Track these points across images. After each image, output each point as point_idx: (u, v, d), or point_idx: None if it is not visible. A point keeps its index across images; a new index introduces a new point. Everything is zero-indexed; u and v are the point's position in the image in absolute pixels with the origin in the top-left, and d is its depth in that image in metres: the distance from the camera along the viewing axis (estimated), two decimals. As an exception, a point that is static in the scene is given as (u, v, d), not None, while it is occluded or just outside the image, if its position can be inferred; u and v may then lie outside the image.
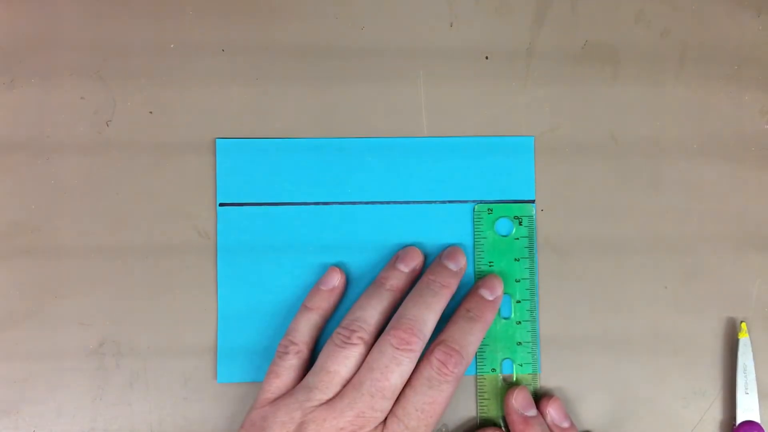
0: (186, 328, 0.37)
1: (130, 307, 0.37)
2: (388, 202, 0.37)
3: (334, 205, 0.37)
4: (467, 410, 0.37)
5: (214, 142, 0.37)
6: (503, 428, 0.36)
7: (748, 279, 0.38)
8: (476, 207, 0.37)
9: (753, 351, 0.37)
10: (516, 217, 0.37)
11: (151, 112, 0.38)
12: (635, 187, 0.38)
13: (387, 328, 0.34)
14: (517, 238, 0.37)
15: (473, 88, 0.38)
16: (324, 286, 0.36)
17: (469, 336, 0.34)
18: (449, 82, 0.38)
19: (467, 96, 0.38)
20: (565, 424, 0.36)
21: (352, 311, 0.35)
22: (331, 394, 0.33)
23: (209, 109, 0.38)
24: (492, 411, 0.37)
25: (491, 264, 0.37)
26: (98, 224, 0.37)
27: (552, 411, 0.36)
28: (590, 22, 0.38)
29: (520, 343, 0.37)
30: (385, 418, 0.33)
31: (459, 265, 0.36)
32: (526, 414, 0.35)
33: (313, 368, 0.34)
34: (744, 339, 0.37)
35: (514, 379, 0.37)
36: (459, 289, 0.36)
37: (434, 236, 0.37)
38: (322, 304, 0.36)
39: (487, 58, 0.38)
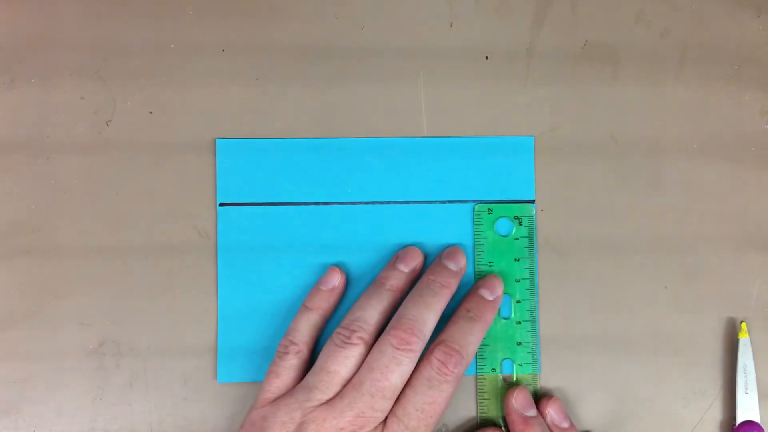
0: (186, 328, 0.37)
1: (130, 307, 0.37)
2: (388, 202, 0.37)
3: (334, 205, 0.37)
4: (467, 410, 0.37)
5: (214, 142, 0.37)
6: (503, 428, 0.36)
7: (748, 279, 0.38)
8: (476, 207, 0.37)
9: (753, 351, 0.37)
10: (516, 217, 0.37)
11: (151, 112, 0.38)
12: (635, 187, 0.38)
13: (387, 328, 0.34)
14: (517, 238, 0.37)
15: (473, 88, 0.38)
16: (324, 286, 0.36)
17: (469, 336, 0.34)
18: (449, 82, 0.38)
19: (467, 96, 0.38)
20: (565, 424, 0.36)
21: (352, 311, 0.35)
22: (331, 394, 0.33)
23: (209, 109, 0.38)
24: (492, 411, 0.37)
25: (491, 264, 0.37)
26: (98, 224, 0.37)
27: (552, 411, 0.36)
28: (590, 22, 0.38)
29: (520, 343, 0.37)
30: (386, 418, 0.33)
31: (459, 265, 0.36)
32: (526, 414, 0.35)
33: (313, 368, 0.34)
34: (744, 339, 0.37)
35: (514, 379, 0.37)
36: (459, 289, 0.36)
37: (434, 236, 0.37)
38: (322, 304, 0.36)
39: (487, 58, 0.38)
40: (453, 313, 0.35)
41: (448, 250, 0.36)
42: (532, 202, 0.38)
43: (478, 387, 0.37)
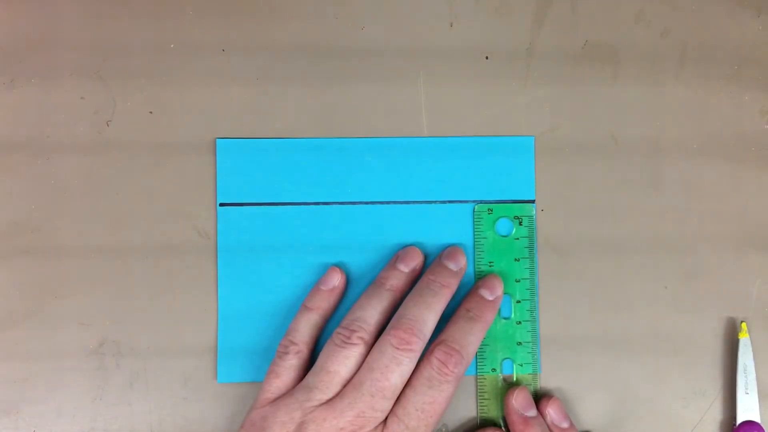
0: (186, 328, 0.37)
1: (130, 307, 0.37)
2: (388, 202, 0.37)
3: (334, 205, 0.37)
4: (467, 410, 0.37)
5: (214, 142, 0.37)
6: (503, 428, 0.36)
7: (748, 279, 0.38)
8: (476, 207, 0.37)
9: (753, 351, 0.37)
10: (516, 217, 0.37)
11: (151, 112, 0.38)
12: (635, 187, 0.38)
13: (387, 328, 0.34)
14: (517, 238, 0.37)
15: (473, 88, 0.38)
16: (324, 286, 0.36)
17: (469, 336, 0.34)
18: (449, 82, 0.38)
19: (467, 96, 0.38)
20: (565, 425, 0.36)
21: (352, 311, 0.35)
22: (331, 394, 0.33)
23: (209, 109, 0.38)
24: (492, 411, 0.37)
25: (491, 264, 0.37)
26: (98, 224, 0.37)
27: (552, 411, 0.36)
28: (590, 22, 0.38)
29: (520, 343, 0.37)
30: (386, 418, 0.33)
31: (459, 265, 0.36)
32: (526, 414, 0.35)
33: (313, 368, 0.34)
34: (744, 339, 0.37)
35: (514, 379, 0.37)
36: (459, 289, 0.36)
37: (434, 236, 0.37)
38: (322, 304, 0.36)
39: (487, 58, 0.38)
40: (453, 313, 0.35)
41: (448, 250, 0.36)
42: (532, 202, 0.38)
43: (478, 387, 0.37)
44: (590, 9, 0.38)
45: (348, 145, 0.38)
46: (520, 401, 0.35)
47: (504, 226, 0.37)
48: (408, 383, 0.33)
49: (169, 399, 0.37)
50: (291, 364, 0.34)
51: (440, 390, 0.33)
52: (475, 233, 0.37)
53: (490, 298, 0.36)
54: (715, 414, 0.37)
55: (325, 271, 0.36)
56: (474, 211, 0.37)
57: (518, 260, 0.37)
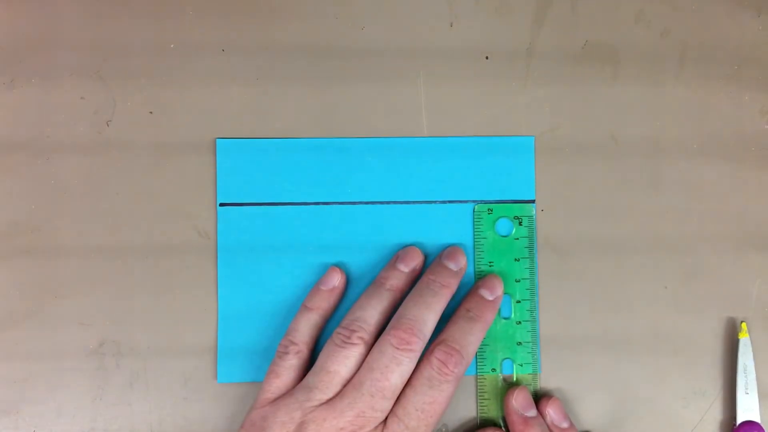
0: (186, 328, 0.37)
1: (130, 307, 0.37)
2: (388, 202, 0.37)
3: (334, 205, 0.37)
4: (467, 410, 0.37)
5: (214, 142, 0.37)
6: (503, 428, 0.36)
7: (748, 279, 0.38)
8: (476, 207, 0.37)
9: (753, 351, 0.37)
10: (516, 217, 0.37)
11: (151, 112, 0.38)
12: (635, 187, 0.38)
13: (387, 328, 0.34)
14: (517, 238, 0.37)
15: (473, 88, 0.38)
16: (324, 286, 0.36)
17: (469, 336, 0.34)
18: (449, 82, 0.38)
19: (467, 96, 0.38)
20: (565, 425, 0.36)
21: (352, 311, 0.35)
22: (331, 394, 0.33)
23: (209, 109, 0.38)
24: (492, 411, 0.37)
25: (491, 264, 0.37)
26: (98, 224, 0.37)
27: (551, 411, 0.36)
28: (590, 22, 0.38)
29: (520, 343, 0.37)
30: (386, 418, 0.33)
31: (459, 265, 0.36)
32: (526, 414, 0.35)
33: (313, 368, 0.34)
34: (744, 339, 0.37)
35: (514, 379, 0.37)
36: (459, 289, 0.36)
37: (434, 236, 0.37)
38: (322, 304, 0.36)
39: (487, 58, 0.38)
40: (453, 313, 0.35)
41: (448, 250, 0.36)
42: (532, 202, 0.38)
43: (478, 387, 0.37)
44: (590, 9, 0.38)
45: (348, 145, 0.38)
46: (520, 401, 0.35)
47: (504, 226, 0.37)
48: (408, 383, 0.33)
49: (169, 399, 0.37)
50: (291, 364, 0.34)
51: (440, 390, 0.33)
52: (475, 233, 0.37)
53: (490, 298, 0.36)
54: (715, 414, 0.37)
55: (325, 271, 0.36)
56: (474, 211, 0.37)
57: (518, 260, 0.37)
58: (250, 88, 0.38)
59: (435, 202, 0.37)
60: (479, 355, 0.37)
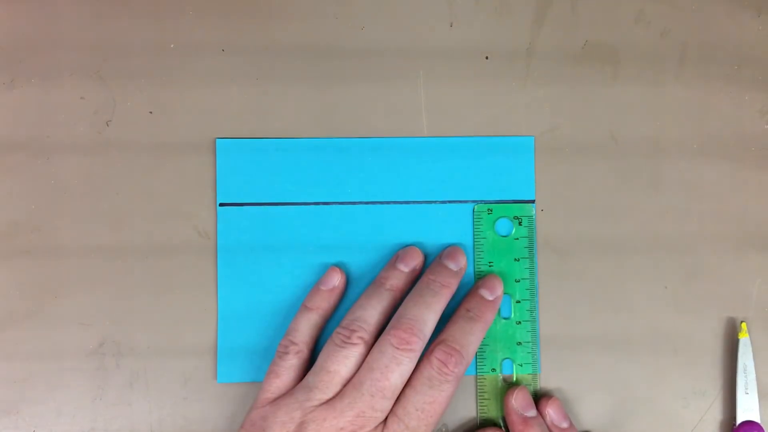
0: (186, 328, 0.37)
1: (130, 307, 0.37)
2: (388, 202, 0.37)
3: (334, 205, 0.37)
4: (467, 410, 0.37)
5: (214, 142, 0.37)
6: (503, 428, 0.36)
7: (748, 279, 0.38)
8: (476, 207, 0.37)
9: (753, 351, 0.37)
10: (516, 217, 0.37)
11: (151, 112, 0.38)
12: (635, 187, 0.38)
13: (387, 328, 0.34)
14: (517, 238, 0.37)
15: (473, 88, 0.38)
16: (324, 286, 0.36)
17: (469, 336, 0.34)
18: (449, 82, 0.38)
19: (467, 96, 0.38)
20: (565, 425, 0.36)
21: (352, 311, 0.35)
22: (331, 394, 0.33)
23: (209, 109, 0.38)
24: (492, 411, 0.37)
25: (491, 264, 0.37)
26: (98, 224, 0.37)
27: (551, 411, 0.36)
28: (590, 22, 0.38)
29: (520, 343, 0.37)
30: (386, 418, 0.33)
31: (459, 265, 0.36)
32: (525, 414, 0.35)
33: (313, 368, 0.34)
34: (744, 339, 0.37)
35: (514, 379, 0.37)
36: (459, 289, 0.36)
37: (434, 236, 0.37)
38: (322, 304, 0.36)
39: (487, 58, 0.38)
40: (453, 313, 0.35)
41: (448, 250, 0.36)
42: (532, 202, 0.38)
43: (478, 387, 0.37)
44: (590, 9, 0.38)
45: (348, 145, 0.38)
46: (519, 401, 0.35)
47: (504, 226, 0.37)
48: (408, 383, 0.33)
49: (169, 399, 0.37)
50: (291, 364, 0.34)
51: (440, 390, 0.33)
52: (475, 233, 0.37)
53: (490, 298, 0.36)
54: (715, 414, 0.37)
55: (325, 271, 0.36)
56: (474, 211, 0.37)
57: (518, 260, 0.37)
58: (250, 88, 0.38)
59: (435, 202, 0.37)
60: (479, 355, 0.37)
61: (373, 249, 0.37)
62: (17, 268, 0.37)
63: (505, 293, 0.37)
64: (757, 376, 0.36)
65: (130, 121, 0.37)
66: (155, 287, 0.37)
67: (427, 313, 0.34)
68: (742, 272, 0.38)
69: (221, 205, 0.37)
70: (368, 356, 0.33)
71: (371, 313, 0.34)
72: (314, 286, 0.36)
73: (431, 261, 0.37)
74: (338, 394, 0.33)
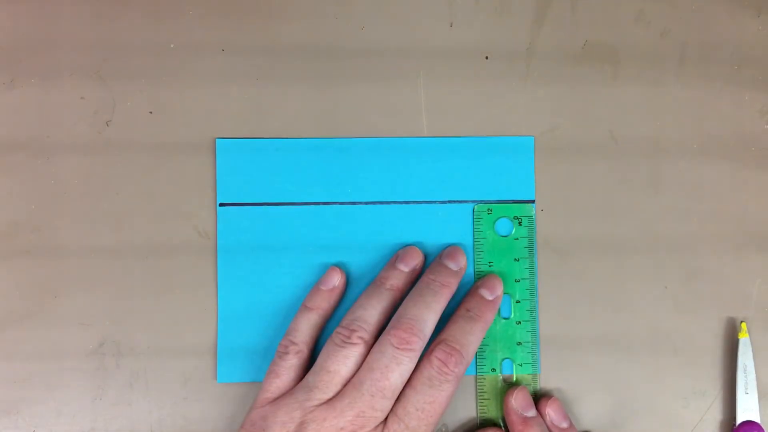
0: (186, 328, 0.37)
1: (130, 307, 0.37)
2: (388, 202, 0.37)
3: (334, 205, 0.37)
4: (467, 410, 0.37)
5: (214, 142, 0.37)
6: (503, 428, 0.36)
7: (748, 279, 0.38)
8: (476, 207, 0.37)
9: (753, 351, 0.37)
10: (516, 218, 0.37)
11: (151, 112, 0.38)
12: (635, 187, 0.38)
13: (387, 328, 0.34)
14: (517, 239, 0.37)
15: (473, 88, 0.38)
16: (324, 286, 0.36)
17: (469, 335, 0.34)
18: (449, 82, 0.38)
19: (467, 96, 0.38)
20: (565, 425, 0.36)
21: (352, 311, 0.35)
22: (331, 394, 0.33)
23: (209, 109, 0.38)
24: (492, 411, 0.37)
25: (491, 264, 0.37)
26: (98, 224, 0.37)
27: (551, 411, 0.36)
28: (590, 22, 0.38)
29: (520, 343, 0.37)
30: (386, 418, 0.33)
31: (459, 265, 0.36)
32: (525, 414, 0.35)
33: (313, 368, 0.34)
34: (744, 339, 0.37)
35: (514, 379, 0.37)
36: (459, 289, 0.36)
37: (434, 236, 0.37)
38: (322, 304, 0.36)
39: (487, 58, 0.38)
40: (453, 313, 0.35)
41: (448, 250, 0.36)
42: (532, 202, 0.38)
43: (478, 387, 0.37)
44: (590, 9, 0.38)
45: (348, 145, 0.38)
46: (519, 401, 0.35)
47: (504, 226, 0.37)
48: (408, 383, 0.33)
49: (169, 399, 0.37)
50: (291, 364, 0.34)
51: (440, 389, 0.33)
52: (475, 233, 0.37)
53: (490, 298, 0.36)
54: (715, 414, 0.37)
55: (325, 271, 0.36)
56: (474, 211, 0.37)
57: (518, 260, 0.37)
58: (250, 88, 0.38)
59: (435, 202, 0.37)
60: (479, 355, 0.37)
61: (373, 249, 0.37)
62: (17, 268, 0.37)
63: (505, 293, 0.37)
64: (757, 376, 0.36)
65: (130, 121, 0.37)
66: (155, 287, 0.37)
67: (427, 313, 0.34)
68: (742, 272, 0.38)
69: (221, 205, 0.37)
70: (368, 356, 0.33)
71: (371, 312, 0.34)
72: (314, 286, 0.36)
73: (431, 261, 0.37)
74: (338, 394, 0.33)
